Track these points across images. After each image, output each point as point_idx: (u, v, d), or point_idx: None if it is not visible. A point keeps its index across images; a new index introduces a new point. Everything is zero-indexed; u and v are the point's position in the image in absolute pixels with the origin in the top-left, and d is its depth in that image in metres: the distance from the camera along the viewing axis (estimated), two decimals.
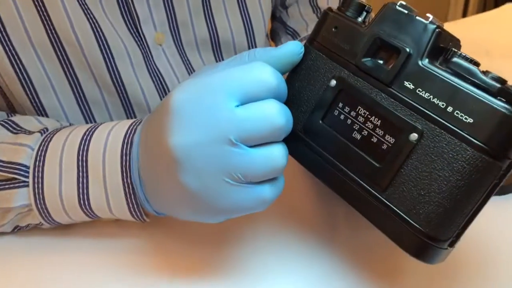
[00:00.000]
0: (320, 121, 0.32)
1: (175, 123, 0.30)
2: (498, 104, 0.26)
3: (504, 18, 0.85)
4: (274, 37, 0.66)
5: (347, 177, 0.31)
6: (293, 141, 0.33)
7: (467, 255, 0.38)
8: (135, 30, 0.46)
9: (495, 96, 0.26)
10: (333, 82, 0.32)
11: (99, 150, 0.35)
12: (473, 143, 0.26)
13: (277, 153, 0.30)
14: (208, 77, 0.31)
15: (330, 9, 0.33)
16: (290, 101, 0.33)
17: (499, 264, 0.38)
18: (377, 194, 0.30)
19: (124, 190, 0.35)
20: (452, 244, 0.29)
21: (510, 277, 0.37)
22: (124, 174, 0.35)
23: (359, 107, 0.31)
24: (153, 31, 0.47)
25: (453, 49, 0.28)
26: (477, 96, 0.26)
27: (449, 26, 0.81)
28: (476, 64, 0.28)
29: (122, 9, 0.45)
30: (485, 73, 0.27)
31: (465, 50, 0.29)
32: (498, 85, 0.26)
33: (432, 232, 0.28)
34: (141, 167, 0.34)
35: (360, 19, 0.32)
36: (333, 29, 0.32)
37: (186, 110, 0.30)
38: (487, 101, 0.26)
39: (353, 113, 0.31)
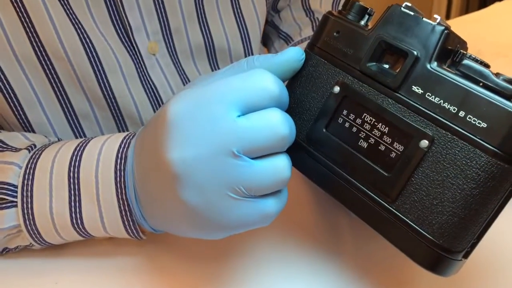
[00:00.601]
0: (324, 130, 0.31)
1: (173, 136, 0.28)
2: None
3: (494, 17, 0.84)
4: (266, 42, 0.65)
5: (354, 188, 0.29)
6: (295, 152, 0.31)
7: (479, 264, 0.37)
8: (127, 40, 0.44)
9: (509, 99, 0.25)
10: (337, 89, 0.30)
11: (91, 166, 0.34)
12: (487, 149, 0.25)
13: (281, 165, 0.29)
14: (207, 87, 0.29)
15: (330, 12, 0.31)
16: (291, 110, 0.32)
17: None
18: (386, 205, 0.28)
19: (119, 207, 0.33)
20: (466, 256, 0.28)
21: None
22: (119, 191, 0.33)
23: (364, 114, 0.29)
24: (146, 40, 0.45)
25: (462, 51, 0.27)
26: (491, 99, 0.25)
27: None
28: (487, 66, 0.27)
29: (113, 18, 0.43)
30: (497, 75, 0.26)
31: None
32: None
33: (446, 243, 0.27)
34: (137, 182, 0.32)
35: (362, 23, 0.31)
36: (335, 34, 0.31)
37: (184, 122, 0.28)
38: (501, 104, 0.25)
39: (358, 121, 0.29)
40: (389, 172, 0.28)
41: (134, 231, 0.35)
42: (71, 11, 0.41)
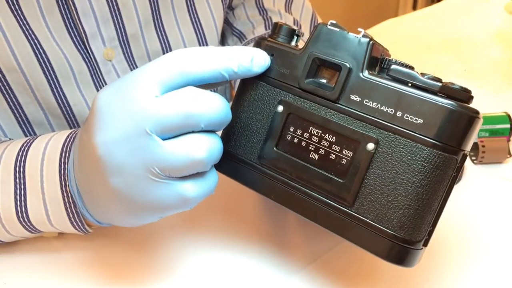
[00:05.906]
0: (275, 148, 0.32)
1: (97, 121, 0.29)
2: (443, 101, 0.27)
3: (444, 13, 0.86)
4: (221, 39, 0.66)
5: (313, 199, 0.31)
6: (251, 174, 0.32)
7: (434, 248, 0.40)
8: (82, 47, 0.45)
9: (437, 94, 0.28)
10: (280, 108, 0.32)
11: (37, 160, 0.34)
12: (427, 142, 0.27)
13: (195, 145, 0.29)
14: (129, 73, 0.30)
15: (262, 38, 0.33)
16: (239, 134, 0.33)
17: (457, 246, 0.41)
18: (346, 210, 0.30)
19: (63, 199, 0.34)
20: (426, 243, 0.30)
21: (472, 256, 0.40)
22: (63, 183, 0.33)
23: (311, 127, 0.31)
24: (102, 46, 0.46)
25: (387, 57, 0.30)
26: (422, 97, 0.28)
27: (396, 21, 0.82)
28: (412, 68, 0.29)
29: (68, 26, 0.44)
30: (422, 74, 0.29)
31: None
32: (439, 84, 0.28)
33: (407, 235, 0.28)
34: (76, 173, 0.33)
35: (293, 43, 0.33)
36: (270, 57, 0.32)
37: (106, 106, 0.29)
38: (432, 100, 0.27)
39: (306, 135, 0.31)
40: (343, 178, 0.30)
41: (79, 223, 0.35)
42: (24, 22, 0.41)
